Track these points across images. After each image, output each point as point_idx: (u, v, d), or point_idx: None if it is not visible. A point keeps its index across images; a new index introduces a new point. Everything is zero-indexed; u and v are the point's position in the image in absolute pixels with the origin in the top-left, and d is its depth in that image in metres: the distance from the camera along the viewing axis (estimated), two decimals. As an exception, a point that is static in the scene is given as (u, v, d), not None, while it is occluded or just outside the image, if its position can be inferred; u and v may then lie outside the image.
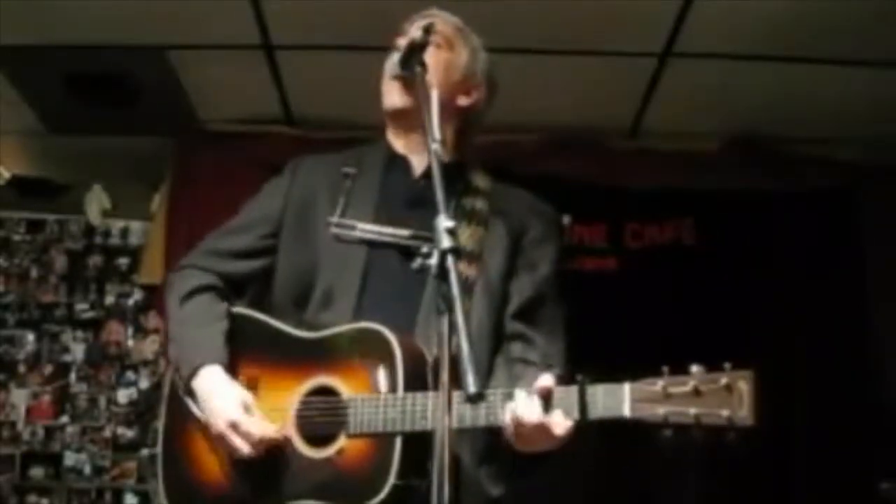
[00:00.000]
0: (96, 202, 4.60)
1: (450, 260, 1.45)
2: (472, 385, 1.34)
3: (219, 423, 1.80)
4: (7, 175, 4.50)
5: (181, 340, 1.94)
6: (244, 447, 1.78)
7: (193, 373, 1.85)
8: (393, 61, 1.93)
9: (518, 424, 1.61)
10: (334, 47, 3.50)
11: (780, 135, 3.98)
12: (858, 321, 3.89)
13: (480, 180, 2.03)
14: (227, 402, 1.80)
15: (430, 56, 1.85)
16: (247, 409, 1.80)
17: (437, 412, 1.42)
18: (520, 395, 1.63)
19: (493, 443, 1.78)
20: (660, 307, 3.84)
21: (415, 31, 1.91)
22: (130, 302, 4.77)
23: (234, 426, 1.78)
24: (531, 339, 1.91)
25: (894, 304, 3.83)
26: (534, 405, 1.60)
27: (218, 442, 1.82)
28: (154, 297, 4.43)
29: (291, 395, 1.80)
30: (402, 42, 1.93)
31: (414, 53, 1.82)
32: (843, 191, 4.01)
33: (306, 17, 3.34)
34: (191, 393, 1.87)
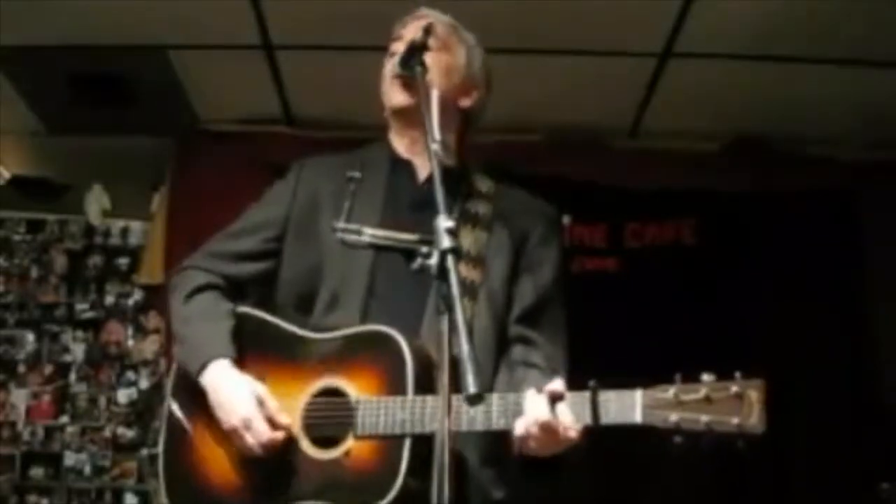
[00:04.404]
0: (96, 202, 4.59)
1: (450, 260, 1.45)
2: (471, 385, 1.34)
3: (231, 418, 1.78)
4: (7, 175, 4.50)
5: (187, 338, 1.92)
6: (255, 445, 1.77)
7: (202, 368, 1.83)
8: (393, 62, 1.94)
9: (529, 425, 1.61)
10: (334, 47, 3.50)
11: (779, 135, 3.98)
12: (858, 321, 3.89)
13: (482, 183, 2.04)
14: (238, 397, 1.79)
15: (430, 60, 1.85)
16: (260, 402, 1.78)
17: (438, 414, 1.41)
18: (529, 394, 1.63)
19: (496, 446, 1.78)
20: (660, 307, 3.83)
21: (412, 32, 1.91)
22: (130, 302, 4.77)
23: (246, 423, 1.76)
24: (534, 341, 1.92)
25: (894, 304, 3.83)
26: (542, 404, 1.60)
27: (229, 436, 1.80)
28: (154, 297, 4.43)
29: (298, 395, 1.79)
30: (399, 45, 1.94)
31: (414, 53, 1.83)
32: (844, 191, 4.01)
33: (306, 17, 3.34)
34: (196, 392, 1.85)
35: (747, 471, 3.66)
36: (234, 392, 1.80)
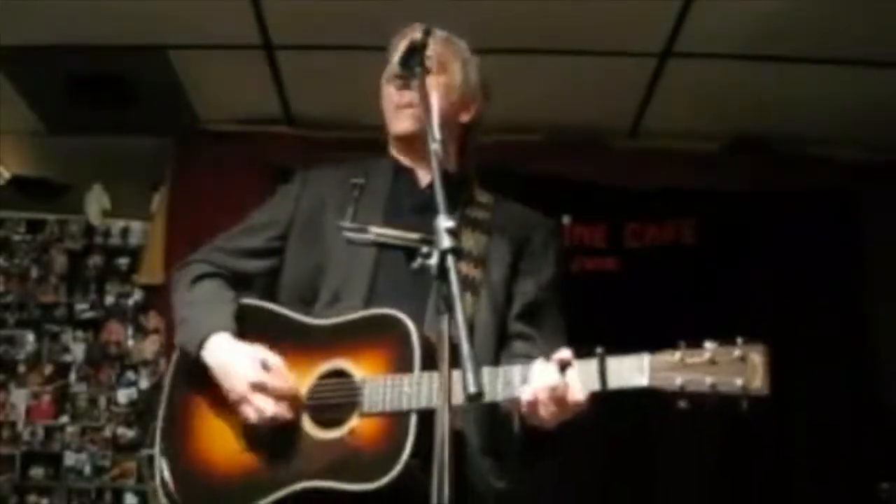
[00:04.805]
0: (96, 202, 4.60)
1: (450, 260, 1.45)
2: (472, 384, 1.35)
3: (241, 386, 1.78)
4: (7, 175, 4.50)
5: (188, 319, 1.93)
6: (269, 407, 1.76)
7: (201, 344, 1.84)
8: (392, 73, 1.96)
9: (538, 391, 1.62)
10: (334, 47, 3.51)
11: (780, 135, 3.98)
12: (858, 321, 3.89)
13: (482, 196, 2.07)
14: (243, 364, 1.79)
15: (428, 84, 1.82)
16: (265, 366, 1.79)
17: (441, 405, 1.42)
18: (538, 363, 1.65)
19: (495, 436, 1.80)
20: (660, 307, 3.83)
21: (414, 34, 1.92)
22: (130, 302, 4.77)
23: (259, 386, 1.76)
24: (533, 337, 1.94)
25: (894, 304, 3.83)
26: (550, 369, 1.63)
27: (233, 413, 1.80)
28: (154, 297, 4.43)
29: (304, 380, 1.81)
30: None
31: (413, 54, 1.83)
32: (844, 191, 4.01)
33: (306, 17, 3.34)
34: (194, 378, 1.85)
35: (748, 470, 3.66)
36: (238, 361, 1.80)
